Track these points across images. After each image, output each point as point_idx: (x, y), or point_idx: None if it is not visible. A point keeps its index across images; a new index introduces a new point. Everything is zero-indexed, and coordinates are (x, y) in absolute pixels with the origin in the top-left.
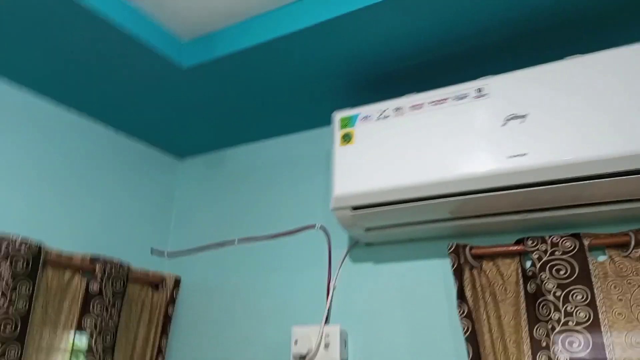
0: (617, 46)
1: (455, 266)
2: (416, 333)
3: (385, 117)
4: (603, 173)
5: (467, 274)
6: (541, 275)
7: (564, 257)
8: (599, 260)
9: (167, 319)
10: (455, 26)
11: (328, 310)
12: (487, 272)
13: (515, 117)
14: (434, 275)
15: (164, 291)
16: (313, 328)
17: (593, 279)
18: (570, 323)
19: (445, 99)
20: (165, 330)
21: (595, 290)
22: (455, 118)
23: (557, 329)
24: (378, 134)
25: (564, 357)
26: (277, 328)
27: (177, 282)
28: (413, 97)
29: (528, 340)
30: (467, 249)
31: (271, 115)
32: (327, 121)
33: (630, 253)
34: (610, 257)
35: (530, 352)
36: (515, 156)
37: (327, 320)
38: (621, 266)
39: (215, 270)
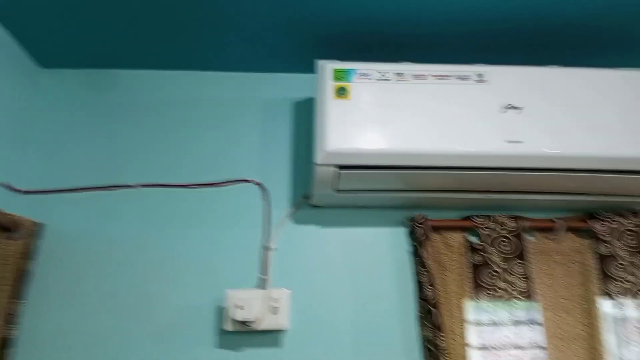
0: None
1: (417, 236)
2: (362, 300)
3: (386, 79)
4: (576, 168)
5: (427, 244)
6: (489, 249)
7: (508, 235)
8: (531, 239)
9: (22, 277)
10: (455, 6)
11: (265, 272)
12: (436, 242)
13: (513, 107)
14: (383, 243)
15: (20, 240)
16: (254, 292)
17: (529, 255)
18: (514, 292)
19: (448, 76)
20: (18, 291)
21: (530, 265)
22: (458, 96)
23: (505, 297)
24: (379, 95)
25: (509, 319)
26: (196, 291)
27: (37, 229)
28: (416, 66)
29: (474, 302)
30: (426, 220)
31: (203, 39)
32: (272, 67)
33: (554, 236)
34: (539, 238)
35: (474, 312)
36: (513, 142)
37: (261, 285)
38: (546, 246)
39: (99, 219)
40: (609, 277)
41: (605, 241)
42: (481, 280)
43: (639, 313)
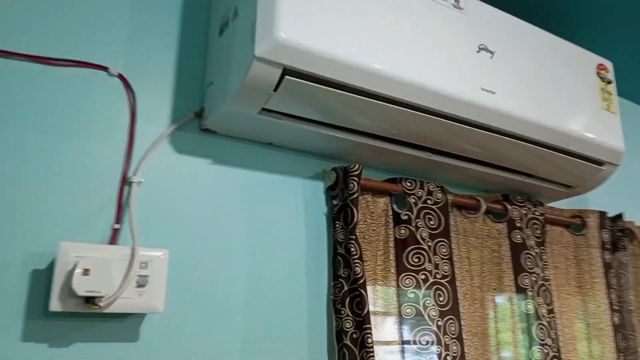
0: None
1: (349, 192)
2: (260, 274)
3: None
4: (531, 138)
5: (359, 205)
6: (417, 222)
7: (434, 207)
8: (454, 217)
9: None
10: None
11: (118, 216)
12: (361, 206)
13: (486, 49)
14: (293, 197)
15: None
16: (109, 250)
17: (452, 234)
18: (437, 276)
19: None
20: None
21: (452, 246)
22: (433, 16)
23: (430, 280)
24: None
25: (435, 311)
26: (2, 240)
27: None
28: None
29: (395, 288)
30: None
31: None
32: None
33: (473, 215)
34: (457, 215)
35: (396, 299)
36: (486, 91)
37: (114, 240)
38: (464, 226)
39: None
40: (521, 268)
41: (518, 228)
42: (407, 261)
43: (543, 309)
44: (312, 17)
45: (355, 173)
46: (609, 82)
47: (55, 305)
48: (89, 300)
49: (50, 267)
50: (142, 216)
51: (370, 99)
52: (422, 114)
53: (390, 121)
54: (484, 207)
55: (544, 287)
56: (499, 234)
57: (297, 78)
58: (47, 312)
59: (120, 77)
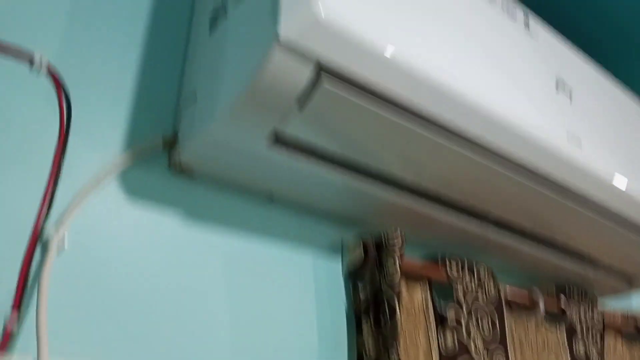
0: None
1: (388, 272)
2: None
3: None
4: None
5: (402, 289)
6: (468, 325)
7: (488, 302)
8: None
9: None
10: None
11: (17, 304)
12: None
13: (564, 87)
14: (298, 278)
15: None
16: None
17: (508, 343)
18: None
19: (495, 1)
20: None
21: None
22: (503, 34)
23: None
24: None
25: None
26: None
27: None
28: None
29: None
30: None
31: None
32: None
33: (532, 317)
34: (514, 316)
35: None
36: (574, 139)
37: (19, 305)
38: (520, 331)
39: None
40: None
41: (580, 336)
42: None
43: None
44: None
45: (396, 247)
46: None
47: None
48: None
49: None
50: (60, 305)
51: (438, 129)
52: (500, 163)
53: (449, 168)
54: (541, 306)
55: None
56: (558, 344)
57: (339, 79)
58: None
59: (51, 74)
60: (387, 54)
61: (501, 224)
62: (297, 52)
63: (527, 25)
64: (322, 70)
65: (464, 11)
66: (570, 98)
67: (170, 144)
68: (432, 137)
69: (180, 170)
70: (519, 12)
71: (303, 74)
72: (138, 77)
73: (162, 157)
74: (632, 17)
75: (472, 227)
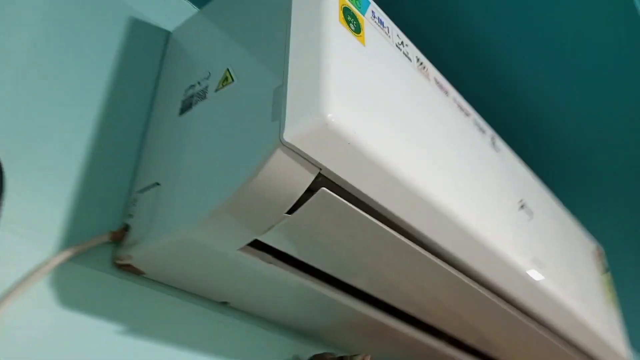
0: None
1: None
2: None
3: (405, 55)
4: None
5: None
6: None
7: None
8: None
9: None
10: None
11: None
12: None
13: (526, 209)
14: None
15: None
16: None
17: None
18: None
19: (469, 113)
20: None
21: None
22: (475, 149)
23: None
24: (397, 72)
25: None
26: None
27: None
28: (437, 72)
29: None
30: None
31: None
32: None
33: None
34: None
35: None
36: (537, 263)
37: None
38: None
39: None
40: None
41: None
42: None
43: None
44: (368, 105)
45: None
46: (607, 271)
47: None
48: None
49: None
50: None
51: (421, 249)
52: (471, 282)
53: (423, 288)
54: None
55: None
56: None
57: (338, 189)
58: None
59: None
60: (394, 172)
61: (461, 345)
62: (299, 158)
63: (493, 140)
64: (323, 178)
65: (459, 143)
66: (531, 219)
67: (119, 236)
68: (417, 254)
69: (127, 269)
70: (489, 132)
71: (303, 180)
72: (84, 161)
73: (106, 254)
74: (574, 140)
75: (435, 345)
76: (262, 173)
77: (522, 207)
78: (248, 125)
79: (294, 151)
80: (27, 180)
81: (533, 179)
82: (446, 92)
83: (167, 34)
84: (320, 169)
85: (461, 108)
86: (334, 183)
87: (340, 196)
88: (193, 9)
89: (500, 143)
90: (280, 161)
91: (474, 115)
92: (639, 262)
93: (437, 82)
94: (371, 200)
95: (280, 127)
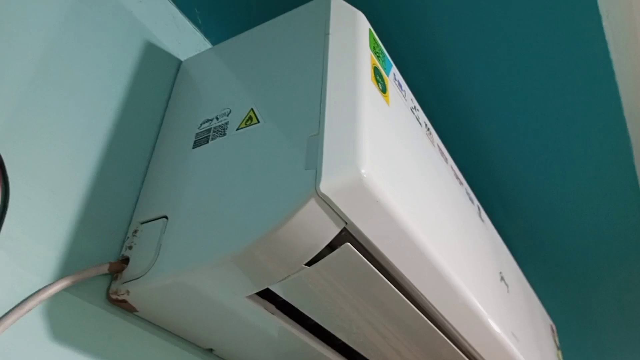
0: None
1: None
2: None
3: (417, 119)
4: None
5: None
6: None
7: None
8: None
9: None
10: None
11: None
12: None
13: (504, 282)
14: None
15: None
16: None
17: None
18: None
19: (462, 182)
20: None
21: None
22: (468, 217)
23: None
24: (412, 135)
25: None
26: None
27: None
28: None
29: None
30: None
31: None
32: None
33: None
34: None
35: None
36: (514, 337)
37: None
38: None
39: None
40: None
41: None
42: None
43: None
44: (392, 165)
45: None
46: (558, 349)
47: None
48: None
49: None
50: None
51: (421, 314)
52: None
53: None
54: None
55: None
56: None
57: (361, 246)
58: None
59: None
60: (413, 236)
61: None
62: (329, 209)
63: (479, 212)
64: (346, 233)
65: (458, 211)
66: (508, 292)
67: (118, 269)
68: (417, 317)
69: (121, 305)
70: (475, 202)
71: (328, 233)
72: (89, 183)
73: (100, 285)
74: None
75: None
76: (292, 221)
77: (501, 279)
78: (276, 169)
79: (326, 202)
80: (29, 198)
81: (507, 252)
82: (446, 160)
83: (179, 63)
84: (347, 223)
85: (457, 176)
86: (355, 239)
87: (361, 254)
88: (205, 41)
89: (484, 214)
90: (312, 211)
91: (465, 184)
92: (584, 340)
93: (440, 149)
94: (386, 260)
95: (317, 177)
